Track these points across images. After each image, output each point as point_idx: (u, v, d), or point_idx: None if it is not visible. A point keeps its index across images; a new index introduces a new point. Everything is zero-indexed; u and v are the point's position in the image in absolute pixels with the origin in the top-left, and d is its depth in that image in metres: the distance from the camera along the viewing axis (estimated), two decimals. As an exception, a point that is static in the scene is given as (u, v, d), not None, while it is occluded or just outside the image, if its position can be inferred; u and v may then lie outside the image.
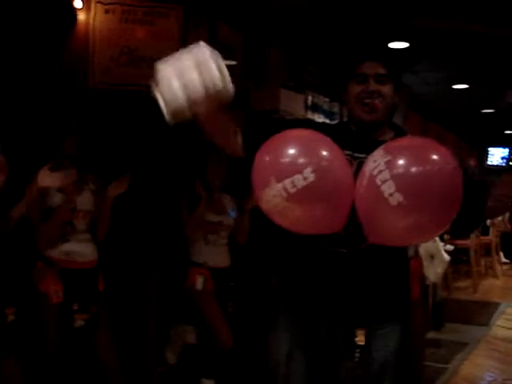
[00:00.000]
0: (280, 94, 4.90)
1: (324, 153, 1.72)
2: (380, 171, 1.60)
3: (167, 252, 3.83)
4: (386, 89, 1.93)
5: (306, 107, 5.34)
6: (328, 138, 1.79)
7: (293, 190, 1.63)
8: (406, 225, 1.65)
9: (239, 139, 1.92)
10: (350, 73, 1.97)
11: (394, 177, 1.59)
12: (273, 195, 1.67)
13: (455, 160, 1.69)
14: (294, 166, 1.66)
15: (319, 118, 5.43)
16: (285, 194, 1.64)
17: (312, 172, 1.63)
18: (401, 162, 1.62)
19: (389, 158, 1.62)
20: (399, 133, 2.02)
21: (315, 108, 5.46)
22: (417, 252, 3.77)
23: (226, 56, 4.56)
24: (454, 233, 1.74)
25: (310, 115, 5.34)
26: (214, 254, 3.69)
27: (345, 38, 5.04)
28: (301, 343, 1.97)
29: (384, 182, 1.59)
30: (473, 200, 1.78)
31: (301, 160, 1.67)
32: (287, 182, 1.63)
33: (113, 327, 3.25)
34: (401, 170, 1.61)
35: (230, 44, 4.74)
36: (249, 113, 4.88)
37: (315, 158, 1.68)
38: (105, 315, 3.20)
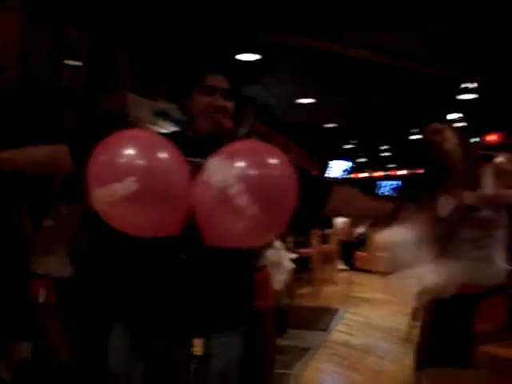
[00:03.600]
0: (128, 98, 4.81)
1: (155, 159, 1.66)
2: (231, 184, 1.58)
3: (6, 264, 3.59)
4: (231, 105, 1.94)
5: (155, 114, 5.27)
6: (167, 142, 1.75)
7: (115, 197, 1.59)
8: (247, 228, 1.64)
9: (68, 162, 1.90)
10: (197, 82, 1.94)
11: (247, 189, 1.58)
12: (97, 198, 1.63)
13: (291, 164, 1.72)
14: (119, 172, 1.60)
15: (167, 125, 5.36)
16: (108, 199, 1.60)
17: (135, 181, 1.58)
18: (250, 172, 1.61)
19: (238, 170, 1.60)
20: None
21: (164, 115, 5.39)
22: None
23: (70, 56, 4.37)
24: (294, 229, 1.82)
25: (158, 122, 5.27)
26: (57, 264, 3.53)
27: (194, 46, 5.05)
28: (140, 356, 1.89)
29: (237, 195, 1.57)
30: (312, 199, 1.85)
31: (126, 167, 1.61)
32: (110, 188, 1.59)
33: None
34: (253, 182, 1.60)
35: (75, 45, 4.57)
36: (95, 115, 4.74)
37: (142, 165, 1.62)
38: None
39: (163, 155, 1.68)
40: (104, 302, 3.62)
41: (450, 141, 2.41)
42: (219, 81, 1.92)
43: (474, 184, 2.42)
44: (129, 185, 1.57)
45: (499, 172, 2.41)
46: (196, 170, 1.74)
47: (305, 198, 1.72)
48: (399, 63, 5.49)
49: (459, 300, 2.39)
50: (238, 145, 1.77)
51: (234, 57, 5.66)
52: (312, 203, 1.87)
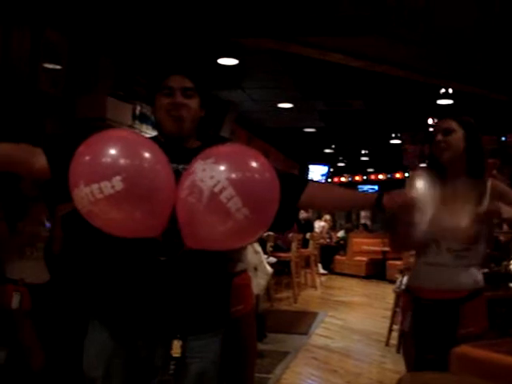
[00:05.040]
0: (107, 102, 4.78)
1: (141, 159, 1.67)
2: (223, 188, 1.59)
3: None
4: (193, 103, 1.97)
5: (134, 117, 5.26)
6: (151, 142, 1.77)
7: (99, 196, 1.59)
8: (232, 230, 1.67)
9: (40, 166, 1.87)
10: (158, 85, 1.98)
11: (239, 193, 1.60)
12: (81, 197, 1.63)
13: (271, 165, 1.76)
14: (104, 171, 1.60)
15: (147, 129, 5.36)
16: (92, 199, 1.60)
17: (121, 181, 1.58)
18: (240, 176, 1.63)
19: (228, 174, 1.62)
20: (210, 141, 2.04)
21: (143, 118, 5.38)
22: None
23: (50, 60, 4.36)
24: (272, 229, 1.84)
25: (137, 125, 5.26)
26: (31, 269, 3.47)
27: (169, 48, 5.04)
28: (119, 359, 1.89)
29: (230, 199, 1.59)
30: (288, 193, 1.87)
31: (112, 166, 1.61)
32: (95, 187, 1.59)
33: None
34: (243, 186, 1.62)
35: (55, 48, 4.54)
36: (73, 120, 4.71)
37: (128, 165, 1.63)
38: None
39: (149, 155, 1.69)
40: (80, 307, 3.60)
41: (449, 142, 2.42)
42: (178, 81, 1.96)
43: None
44: (114, 184, 1.57)
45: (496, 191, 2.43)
46: (175, 174, 1.75)
47: (282, 194, 1.75)
48: (377, 68, 5.53)
49: (439, 306, 2.42)
50: (222, 148, 1.79)
51: (200, 58, 5.65)
52: (288, 197, 1.89)
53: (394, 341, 5.83)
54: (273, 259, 6.92)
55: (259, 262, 4.85)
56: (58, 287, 3.68)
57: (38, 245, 3.53)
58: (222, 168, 1.63)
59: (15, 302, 3.36)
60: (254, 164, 1.70)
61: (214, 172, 1.63)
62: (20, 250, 3.44)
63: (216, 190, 1.60)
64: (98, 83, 5.15)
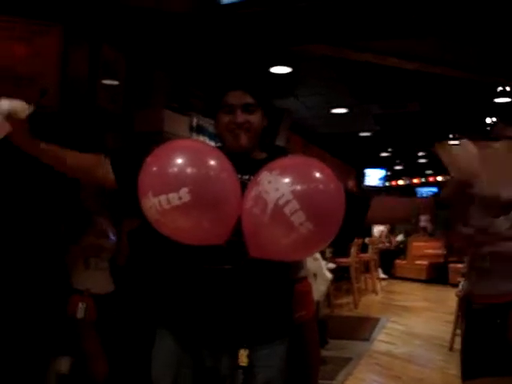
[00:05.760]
0: (164, 115, 4.88)
1: (207, 169, 1.69)
2: (287, 201, 1.59)
3: (47, 281, 3.67)
4: (255, 117, 1.96)
5: (191, 129, 5.35)
6: (218, 151, 1.78)
7: (167, 207, 1.62)
8: (297, 242, 1.66)
9: (103, 173, 1.94)
10: (218, 103, 1.97)
11: (303, 207, 1.60)
12: (149, 206, 1.67)
13: (337, 178, 1.75)
14: (171, 183, 1.63)
15: (204, 140, 5.44)
16: (159, 209, 1.64)
17: (188, 192, 1.61)
18: (305, 189, 1.63)
19: (294, 187, 1.62)
20: (275, 152, 2.05)
21: (200, 130, 5.47)
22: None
23: (108, 76, 4.47)
24: (335, 244, 1.81)
25: (194, 137, 5.35)
26: (96, 279, 3.57)
27: (217, 62, 5.10)
28: (186, 368, 1.93)
29: (294, 212, 1.59)
30: (353, 215, 1.84)
31: (179, 178, 1.64)
32: (162, 198, 1.62)
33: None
34: (307, 199, 1.62)
35: (112, 64, 4.67)
36: (132, 134, 4.82)
37: (195, 176, 1.65)
38: None
39: (215, 165, 1.71)
40: (145, 316, 3.68)
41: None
42: (238, 97, 1.94)
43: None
44: (182, 195, 1.61)
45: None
46: (242, 185, 1.78)
47: (346, 215, 1.73)
48: (432, 70, 5.47)
49: (491, 310, 2.38)
50: (288, 161, 1.80)
51: (255, 69, 5.69)
52: (353, 219, 1.86)
53: (457, 345, 5.70)
54: (332, 265, 6.87)
55: (319, 269, 4.85)
56: (123, 297, 3.77)
57: (103, 256, 3.61)
58: (287, 181, 1.64)
59: (80, 311, 3.45)
60: (319, 177, 1.69)
61: (279, 184, 1.63)
62: (85, 262, 3.54)
63: (280, 202, 1.60)
64: (153, 97, 5.26)
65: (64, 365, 3.56)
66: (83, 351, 3.46)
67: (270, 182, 1.65)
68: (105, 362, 3.47)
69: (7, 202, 3.52)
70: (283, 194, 1.61)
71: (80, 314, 3.44)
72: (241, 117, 1.93)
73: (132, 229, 3.65)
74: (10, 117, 1.76)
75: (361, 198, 2.00)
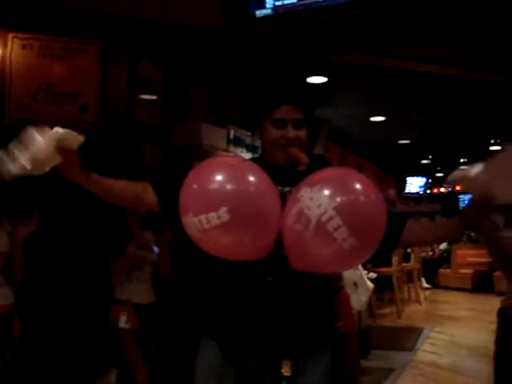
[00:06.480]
0: (202, 128, 4.93)
1: (246, 187, 1.69)
2: (330, 218, 1.58)
3: (90, 292, 3.73)
4: (303, 133, 1.95)
5: (228, 141, 5.39)
6: (256, 168, 1.78)
7: (207, 226, 1.63)
8: (337, 255, 1.66)
9: (150, 200, 1.96)
10: (268, 114, 1.95)
11: (346, 223, 1.58)
12: (189, 224, 1.68)
13: (378, 190, 1.73)
14: (210, 203, 1.64)
15: (241, 152, 5.48)
16: (199, 227, 1.65)
17: (227, 212, 1.61)
18: (347, 205, 1.62)
19: (336, 203, 1.60)
20: (315, 161, 2.04)
21: (237, 142, 5.51)
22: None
23: (146, 91, 4.53)
24: (372, 260, 1.80)
25: (232, 149, 5.39)
26: (138, 290, 3.62)
27: (263, 74, 5.12)
28: (228, 378, 1.94)
29: (337, 228, 1.58)
30: (390, 231, 1.80)
31: (218, 197, 1.64)
32: (202, 217, 1.63)
33: (31, 372, 3.12)
34: (350, 215, 1.61)
35: (150, 79, 4.75)
36: (171, 148, 4.88)
37: (234, 195, 1.66)
38: (21, 361, 3.05)
39: (254, 182, 1.71)
40: (187, 327, 3.71)
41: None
42: (289, 112, 1.92)
43: None
44: (221, 215, 1.61)
45: None
46: (282, 197, 1.77)
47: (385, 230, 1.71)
48: (470, 75, 5.39)
49: None
50: (329, 174, 1.78)
51: (304, 83, 5.70)
52: (389, 237, 1.81)
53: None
54: (373, 275, 6.81)
55: (359, 278, 4.82)
56: (166, 308, 3.81)
57: (145, 268, 3.67)
58: (329, 196, 1.62)
59: (122, 321, 3.50)
60: (361, 191, 1.67)
61: (321, 200, 1.61)
62: (127, 273, 3.60)
63: (323, 219, 1.59)
64: (191, 110, 5.31)
65: (111, 376, 3.62)
66: (125, 361, 3.51)
67: (311, 199, 1.63)
68: (146, 372, 3.50)
69: (54, 217, 3.59)
70: (326, 211, 1.59)
71: (122, 323, 3.49)
72: (292, 132, 1.92)
73: (170, 240, 3.69)
74: (61, 148, 1.75)
75: (397, 215, 1.97)
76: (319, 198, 1.62)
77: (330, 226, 1.58)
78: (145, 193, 1.97)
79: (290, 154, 1.92)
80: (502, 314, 2.45)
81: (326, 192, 1.63)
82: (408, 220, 1.99)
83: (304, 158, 1.93)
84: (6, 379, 2.97)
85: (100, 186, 1.93)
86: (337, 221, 1.58)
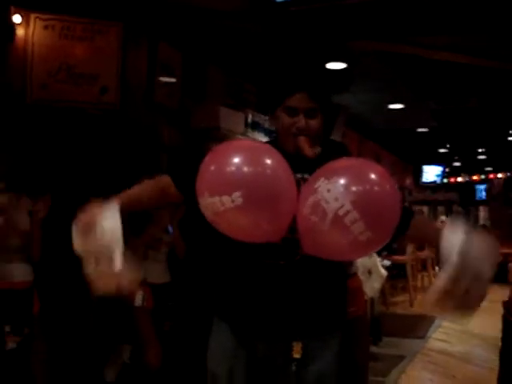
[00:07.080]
0: (220, 111, 4.95)
1: (262, 171, 1.69)
2: (347, 212, 1.58)
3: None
4: (315, 122, 1.91)
5: (246, 125, 5.40)
6: (273, 151, 1.77)
7: (221, 208, 1.64)
8: (352, 246, 1.67)
9: (171, 195, 2.02)
10: (281, 102, 1.92)
11: (363, 217, 1.58)
12: (205, 206, 1.70)
13: (394, 181, 1.74)
14: (225, 186, 1.65)
15: (259, 136, 5.49)
16: (214, 209, 1.66)
17: (240, 196, 1.62)
18: (365, 198, 1.61)
19: (353, 196, 1.60)
20: (330, 147, 2.04)
21: (255, 126, 5.52)
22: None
23: (165, 73, 4.55)
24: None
25: (249, 133, 5.40)
26: (154, 270, 3.66)
27: (280, 61, 5.11)
28: (241, 358, 1.96)
29: (354, 222, 1.58)
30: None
31: (233, 181, 1.65)
32: (217, 199, 1.64)
33: (49, 347, 3.18)
34: (367, 209, 1.61)
35: (169, 62, 4.77)
36: (189, 130, 4.91)
37: (248, 179, 1.66)
38: (40, 337, 3.12)
39: (270, 164, 1.71)
40: (201, 307, 3.76)
41: None
42: (302, 101, 1.89)
43: None
44: (234, 199, 1.62)
45: None
46: (297, 184, 1.77)
47: None
48: (491, 64, 5.36)
49: None
50: (346, 166, 1.76)
51: (320, 72, 5.69)
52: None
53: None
54: (387, 262, 6.81)
55: (373, 265, 4.84)
56: (181, 288, 3.85)
57: (161, 249, 3.71)
58: (347, 189, 1.62)
59: (138, 300, 3.55)
60: (378, 184, 1.67)
61: (338, 194, 1.61)
62: (144, 253, 3.64)
63: (340, 213, 1.59)
64: (209, 93, 5.33)
65: (125, 352, 3.69)
66: (139, 338, 3.56)
67: (329, 191, 1.62)
68: (158, 349, 3.54)
69: (72, 194, 3.63)
70: (343, 205, 1.59)
71: (138, 302, 3.54)
72: (303, 121, 1.89)
73: (180, 218, 3.72)
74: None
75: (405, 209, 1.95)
76: (337, 190, 1.61)
77: (348, 220, 1.58)
78: (168, 185, 1.99)
79: (296, 143, 1.91)
80: (505, 315, 2.45)
81: (344, 184, 1.62)
82: (415, 215, 1.99)
83: (309, 152, 1.90)
84: (23, 354, 3.04)
85: (134, 207, 2.02)
86: (354, 215, 1.58)
